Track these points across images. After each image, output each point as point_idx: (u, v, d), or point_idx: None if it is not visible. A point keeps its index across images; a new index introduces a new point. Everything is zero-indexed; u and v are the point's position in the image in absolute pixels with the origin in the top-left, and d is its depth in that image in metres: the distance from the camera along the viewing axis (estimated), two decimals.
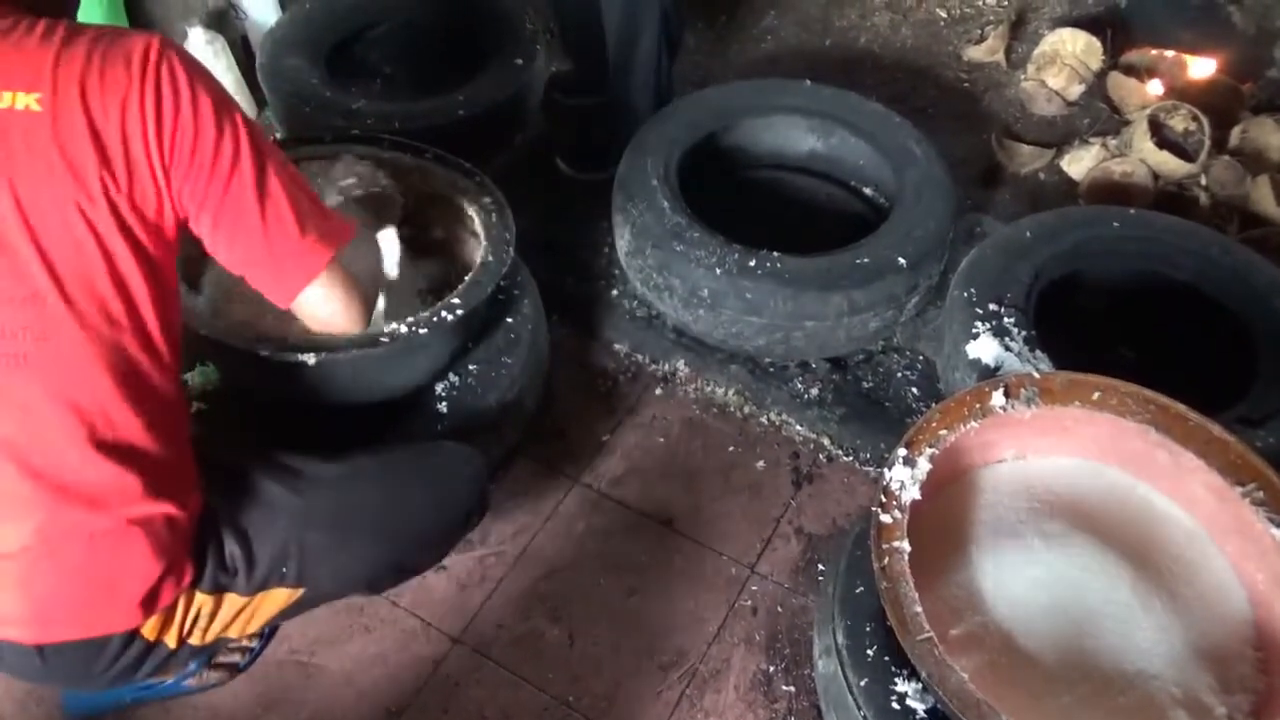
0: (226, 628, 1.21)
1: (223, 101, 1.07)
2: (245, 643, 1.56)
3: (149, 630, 1.13)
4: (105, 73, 0.99)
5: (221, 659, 1.53)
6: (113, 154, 1.00)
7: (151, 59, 1.01)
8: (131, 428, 1.06)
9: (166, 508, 1.08)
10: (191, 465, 1.16)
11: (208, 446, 1.22)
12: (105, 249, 1.01)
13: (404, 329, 1.46)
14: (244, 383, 1.61)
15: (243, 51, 2.46)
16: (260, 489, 1.22)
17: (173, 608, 1.14)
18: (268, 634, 1.58)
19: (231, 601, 1.19)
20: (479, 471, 1.43)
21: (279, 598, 1.23)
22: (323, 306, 1.18)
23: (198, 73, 1.05)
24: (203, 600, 1.16)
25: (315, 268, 1.13)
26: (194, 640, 1.19)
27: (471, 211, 1.67)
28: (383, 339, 1.44)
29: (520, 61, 2.22)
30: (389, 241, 1.52)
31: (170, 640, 1.16)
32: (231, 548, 1.17)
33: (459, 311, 1.49)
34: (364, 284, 1.24)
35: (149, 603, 1.10)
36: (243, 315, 1.55)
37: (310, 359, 1.41)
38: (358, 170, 1.54)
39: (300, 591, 1.24)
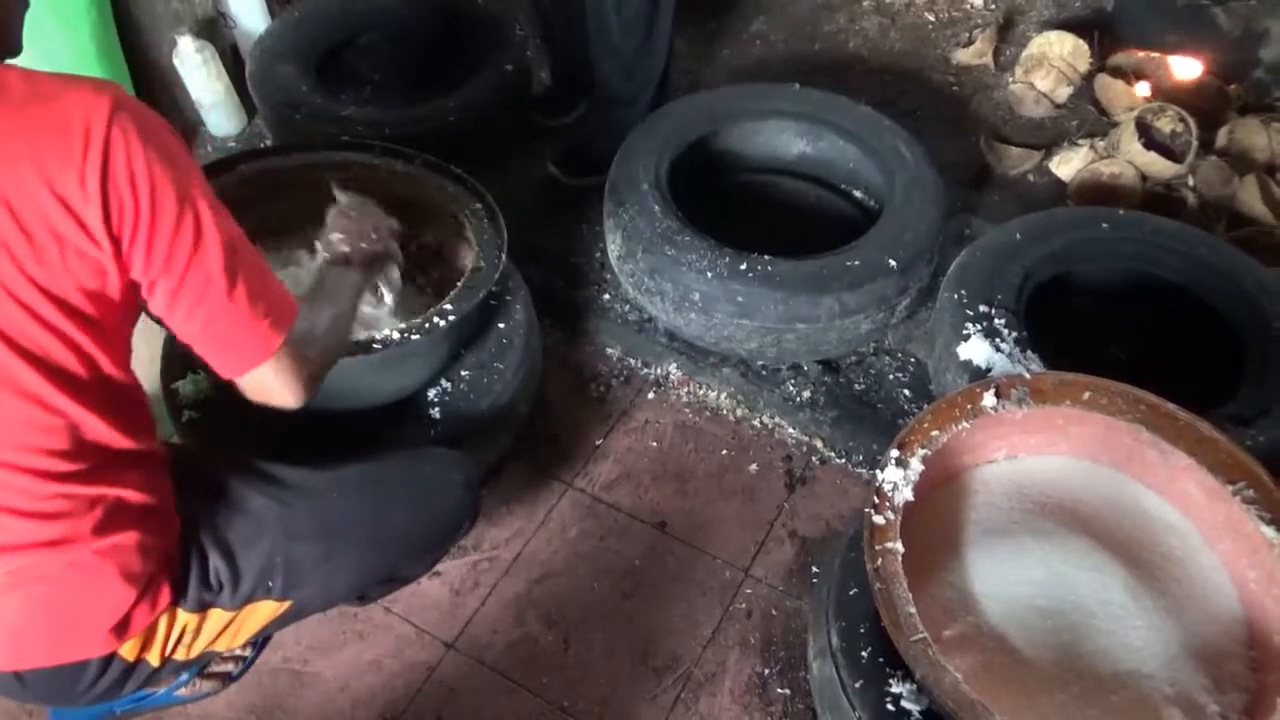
0: (213, 642, 1.20)
1: (184, 172, 0.97)
2: (239, 652, 1.55)
3: (128, 651, 1.12)
4: (39, 144, 0.89)
5: (214, 668, 1.53)
6: (33, 231, 0.91)
7: (97, 130, 0.90)
8: (95, 461, 1.04)
9: (138, 535, 1.07)
10: (167, 492, 1.14)
11: (190, 458, 1.22)
12: (37, 316, 0.95)
13: (396, 335, 1.46)
14: (236, 390, 1.60)
15: (232, 60, 2.46)
16: (244, 501, 1.21)
17: (152, 628, 1.13)
18: (260, 643, 1.58)
19: (217, 617, 1.18)
20: (469, 478, 1.42)
21: (266, 611, 1.22)
22: (267, 384, 1.11)
23: (153, 139, 0.94)
24: (186, 619, 1.15)
25: (267, 352, 1.07)
26: (179, 656, 1.18)
27: (463, 217, 1.67)
28: (375, 345, 1.44)
29: (510, 67, 2.23)
30: (388, 286, 1.51)
31: (153, 658, 1.15)
32: (215, 563, 1.16)
33: (451, 318, 1.49)
34: (317, 356, 1.16)
35: (121, 629, 1.09)
36: None
37: None
38: (344, 225, 1.45)
39: (287, 604, 1.23)
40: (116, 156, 0.91)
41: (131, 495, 1.08)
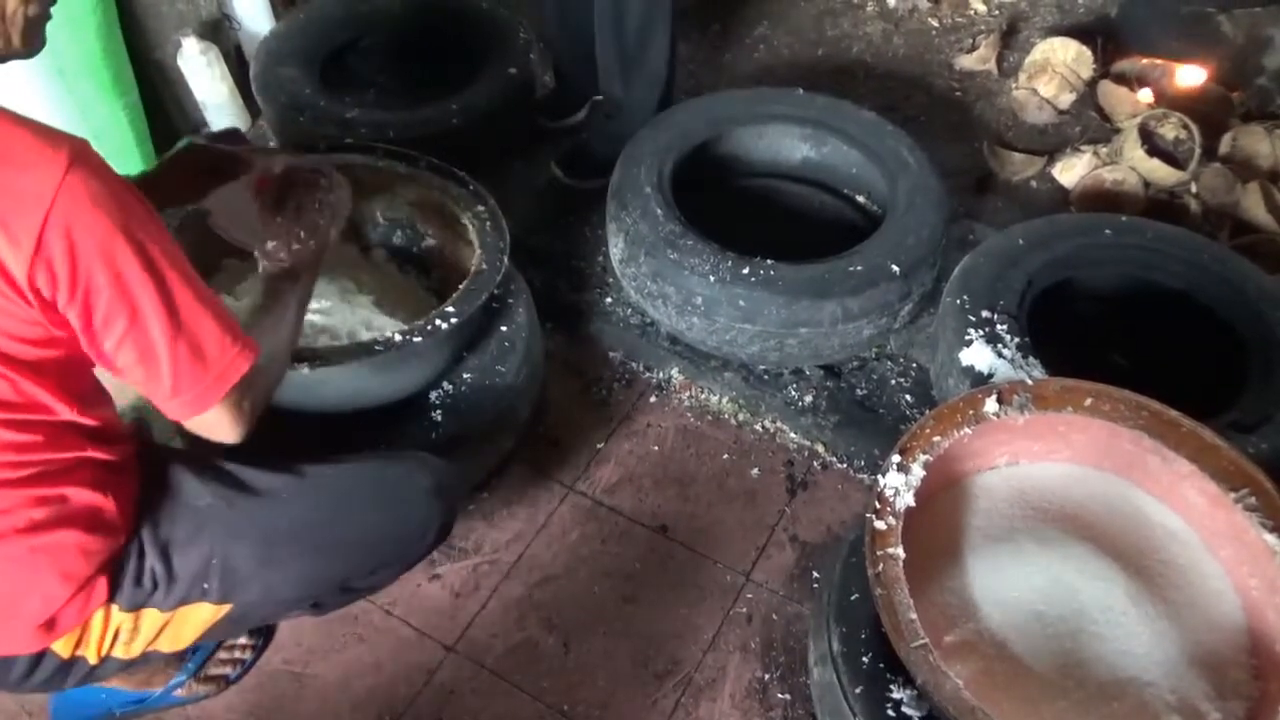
0: (152, 642, 1.17)
1: (130, 234, 0.94)
2: (237, 654, 1.55)
3: (62, 648, 1.10)
4: None
5: (212, 670, 1.52)
6: None
7: (44, 191, 0.88)
8: (45, 468, 1.03)
9: (80, 535, 1.06)
10: (126, 495, 1.12)
11: (155, 456, 1.19)
12: None
13: (398, 338, 1.46)
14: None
15: (236, 62, 2.47)
16: (193, 500, 1.17)
17: (86, 626, 1.11)
18: (261, 645, 1.58)
19: (151, 617, 1.15)
20: (440, 485, 1.33)
21: (204, 614, 1.18)
22: (210, 425, 1.09)
23: (101, 202, 0.91)
24: (122, 618, 1.13)
25: (210, 402, 1.05)
26: (119, 654, 1.15)
27: (466, 220, 1.67)
28: (377, 348, 1.44)
29: (514, 70, 2.23)
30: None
31: (90, 655, 1.13)
32: (151, 562, 1.13)
33: (453, 320, 1.49)
34: (262, 392, 1.13)
35: (49, 627, 1.07)
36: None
37: (305, 369, 1.41)
38: (275, 231, 1.33)
39: (227, 608, 1.18)
40: (56, 222, 0.89)
41: (81, 496, 1.06)
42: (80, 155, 0.91)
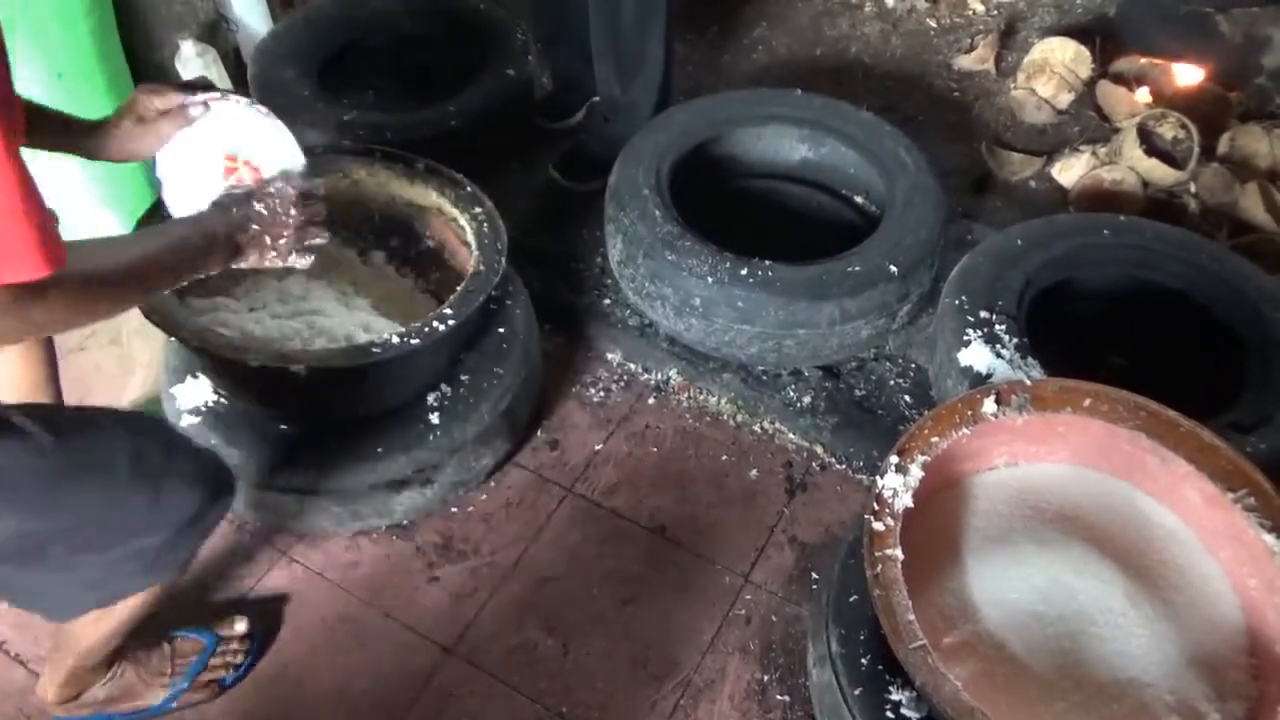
0: None
1: None
2: (229, 657, 1.53)
3: None
4: None
5: (206, 676, 1.51)
6: None
7: None
8: None
9: None
10: None
11: None
12: None
13: (396, 340, 1.46)
14: (236, 394, 1.60)
15: (234, 64, 2.46)
16: None
17: None
18: (256, 650, 1.57)
19: None
20: (182, 450, 1.23)
21: None
22: None
23: None
24: None
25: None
26: None
27: (463, 221, 1.67)
28: (375, 350, 1.44)
29: (512, 72, 2.23)
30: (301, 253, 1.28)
31: None
32: None
33: (451, 322, 1.49)
34: (61, 315, 0.97)
35: None
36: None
37: (301, 370, 1.40)
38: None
39: None
40: None
41: None
42: None
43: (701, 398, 1.95)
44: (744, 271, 1.76)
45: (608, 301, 2.08)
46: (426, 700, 1.53)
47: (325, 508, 1.62)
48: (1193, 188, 2.19)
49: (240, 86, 2.38)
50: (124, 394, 1.93)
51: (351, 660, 1.58)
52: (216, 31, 2.43)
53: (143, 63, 2.25)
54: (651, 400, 1.96)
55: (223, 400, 1.61)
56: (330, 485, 1.58)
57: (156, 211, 1.51)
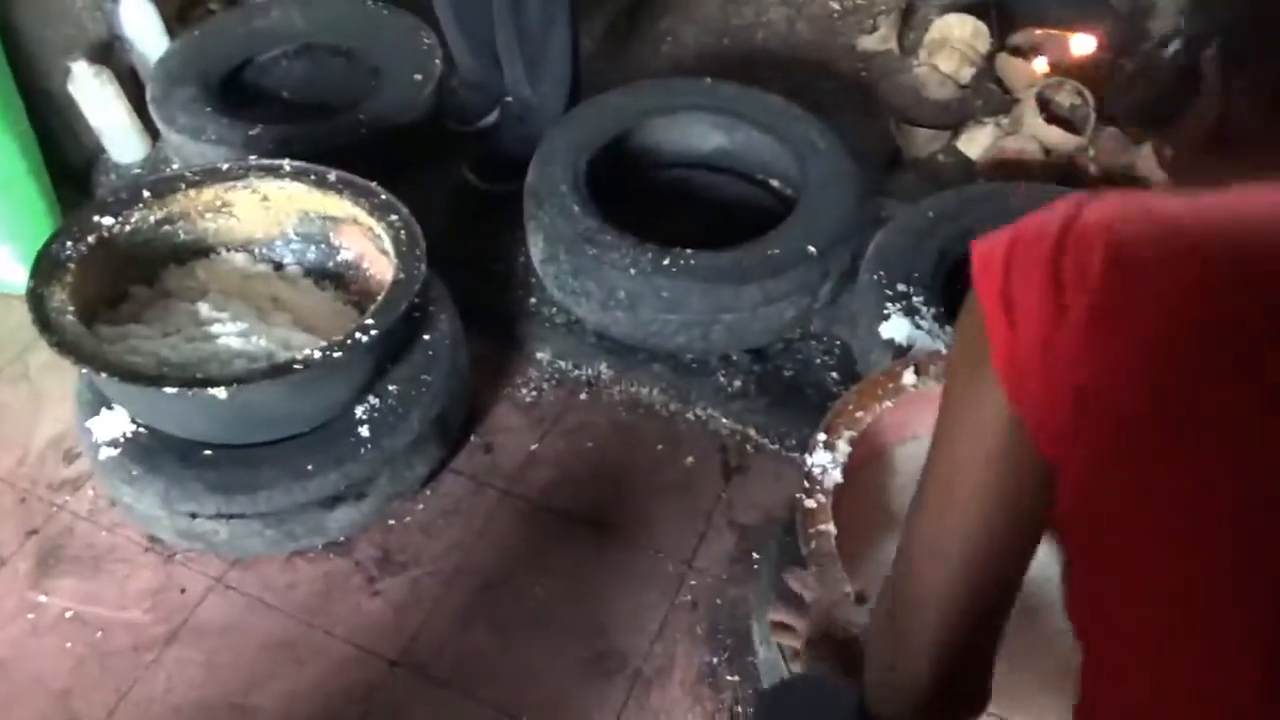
0: None
1: None
2: None
3: None
4: None
5: None
6: None
7: None
8: None
9: None
10: None
11: None
12: None
13: (318, 354, 1.44)
14: (154, 422, 1.56)
15: (132, 83, 2.39)
16: None
17: None
18: None
19: None
20: None
21: None
22: None
23: None
24: None
25: None
26: None
27: (380, 230, 1.65)
28: (296, 365, 1.42)
29: (420, 77, 2.21)
30: None
31: None
32: None
33: (374, 332, 1.48)
34: None
35: None
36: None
37: (221, 393, 1.38)
38: None
39: None
40: None
41: None
42: None
43: (633, 390, 1.96)
44: (666, 261, 1.78)
45: (533, 301, 2.08)
46: (376, 715, 1.52)
47: (258, 531, 1.59)
48: (1091, 151, 2.27)
49: (139, 107, 2.31)
50: (35, 431, 1.87)
51: (294, 684, 1.55)
52: (110, 51, 2.35)
53: (34, 89, 2.17)
54: (584, 396, 1.96)
55: (142, 430, 1.56)
56: (261, 507, 1.55)
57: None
